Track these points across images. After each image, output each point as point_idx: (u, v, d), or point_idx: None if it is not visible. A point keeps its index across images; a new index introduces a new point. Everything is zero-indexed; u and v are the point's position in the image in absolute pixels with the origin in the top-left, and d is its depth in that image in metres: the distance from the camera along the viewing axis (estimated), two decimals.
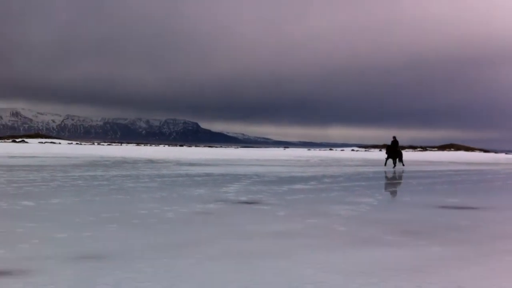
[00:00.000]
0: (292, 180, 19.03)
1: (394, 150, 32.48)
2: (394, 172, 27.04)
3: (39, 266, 5.22)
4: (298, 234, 7.50)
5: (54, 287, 4.53)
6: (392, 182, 19.17)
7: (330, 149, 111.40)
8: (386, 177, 22.77)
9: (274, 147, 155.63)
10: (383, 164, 33.83)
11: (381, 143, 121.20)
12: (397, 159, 32.62)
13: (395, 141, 32.73)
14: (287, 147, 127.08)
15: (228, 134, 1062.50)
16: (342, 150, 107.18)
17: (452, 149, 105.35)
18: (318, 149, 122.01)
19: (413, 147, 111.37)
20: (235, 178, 18.95)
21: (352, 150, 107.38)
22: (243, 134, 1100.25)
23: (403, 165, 33.03)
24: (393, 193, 14.40)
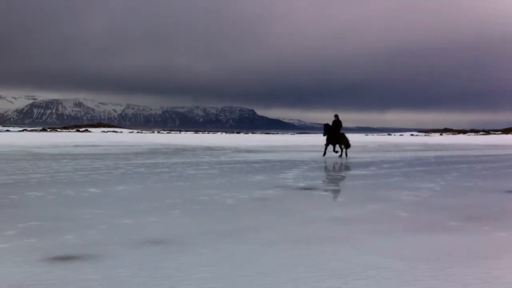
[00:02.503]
0: (350, 165, 18.85)
1: (335, 133, 24.21)
2: (451, 157, 26.28)
3: (107, 251, 5.41)
4: (358, 220, 7.44)
5: (122, 270, 4.69)
6: (455, 167, 18.66)
7: (389, 134, 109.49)
8: (448, 162, 22.18)
9: None
10: (333, 152, 24.97)
11: (441, 127, 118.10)
12: (342, 146, 24.53)
13: (336, 121, 24.31)
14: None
15: (284, 121, 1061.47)
16: (401, 135, 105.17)
17: None
18: (376, 134, 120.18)
19: (475, 131, 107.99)
20: (293, 164, 18.95)
21: (411, 134, 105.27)
22: (299, 120, 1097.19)
23: (346, 155, 24.52)
24: (456, 178, 14.00)
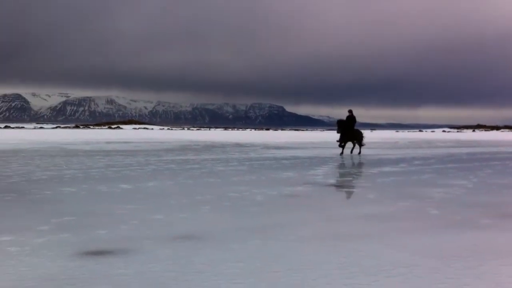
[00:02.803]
0: (380, 162, 18.68)
1: (349, 130, 22.68)
2: (484, 154, 25.79)
3: (139, 245, 5.49)
4: (389, 217, 7.38)
5: (154, 265, 4.76)
6: (488, 163, 18.32)
7: (420, 131, 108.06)
8: (481, 158, 21.79)
9: (361, 129, 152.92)
10: (348, 150, 23.71)
11: (474, 123, 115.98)
12: (355, 142, 23.35)
13: (350, 117, 22.83)
14: (374, 129, 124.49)
15: (313, 117, 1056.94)
16: (432, 131, 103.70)
17: None
18: (407, 130, 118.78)
19: (509, 127, 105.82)
20: (323, 161, 18.87)
21: (443, 131, 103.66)
22: (328, 116, 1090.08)
23: (359, 152, 23.38)
24: (489, 175, 13.75)
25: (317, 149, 27.87)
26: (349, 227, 6.59)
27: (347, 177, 12.81)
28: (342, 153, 22.68)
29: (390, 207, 8.27)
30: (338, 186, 11.18)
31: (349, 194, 9.94)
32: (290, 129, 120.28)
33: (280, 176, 12.88)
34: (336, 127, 22.98)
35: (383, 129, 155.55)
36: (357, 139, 23.12)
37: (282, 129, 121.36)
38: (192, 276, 4.45)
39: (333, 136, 58.42)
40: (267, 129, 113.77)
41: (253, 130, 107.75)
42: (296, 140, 44.85)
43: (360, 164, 17.44)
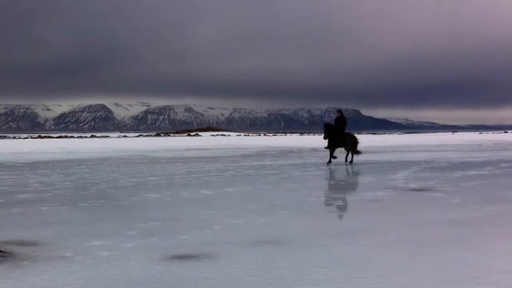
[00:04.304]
0: (464, 165, 17.98)
1: (339, 134, 18.90)
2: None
3: (221, 250, 5.58)
4: (477, 222, 7.09)
5: (238, 269, 4.82)
6: None
7: (505, 132, 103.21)
8: None
9: (441, 131, 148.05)
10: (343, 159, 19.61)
11: None
12: (347, 148, 19.36)
13: (340, 118, 19.28)
14: (456, 131, 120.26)
15: (390, 120, 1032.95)
16: None
17: None
18: (491, 132, 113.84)
19: None
20: (403, 164, 18.42)
21: None
22: (406, 119, 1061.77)
23: (351, 161, 19.40)
24: None
25: (396, 153, 27.23)
26: (434, 233, 6.39)
27: (429, 181, 12.42)
28: (330, 161, 18.92)
29: (477, 212, 7.95)
30: (420, 190, 10.86)
31: (432, 199, 9.62)
32: (366, 133, 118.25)
33: (359, 181, 12.71)
34: (324, 132, 19.40)
35: (465, 131, 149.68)
36: (350, 144, 19.30)
37: (358, 133, 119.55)
38: (275, 280, 4.47)
39: (413, 139, 56.78)
40: None
41: None
42: (374, 144, 44.01)
43: (442, 168, 16.87)
